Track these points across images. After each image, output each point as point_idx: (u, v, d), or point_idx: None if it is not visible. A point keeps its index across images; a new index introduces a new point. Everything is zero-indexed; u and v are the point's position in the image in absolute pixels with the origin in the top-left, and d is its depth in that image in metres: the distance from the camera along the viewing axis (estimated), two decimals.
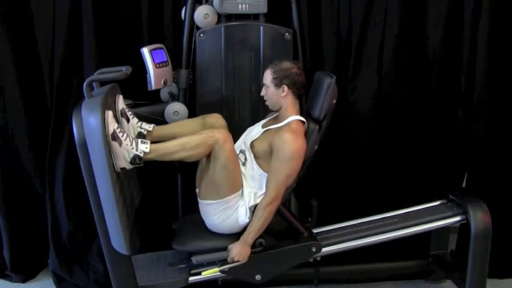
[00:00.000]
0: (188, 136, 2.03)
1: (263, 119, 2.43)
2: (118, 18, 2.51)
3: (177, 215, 2.63)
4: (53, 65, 2.52)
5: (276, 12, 2.44)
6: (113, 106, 2.00)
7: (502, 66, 2.58)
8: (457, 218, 2.40)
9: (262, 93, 2.21)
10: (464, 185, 2.80)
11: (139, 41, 2.51)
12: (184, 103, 2.43)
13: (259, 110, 2.48)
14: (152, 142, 1.98)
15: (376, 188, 2.70)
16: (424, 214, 2.44)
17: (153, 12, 2.54)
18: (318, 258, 2.33)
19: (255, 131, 2.25)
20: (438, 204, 2.51)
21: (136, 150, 1.91)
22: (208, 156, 2.04)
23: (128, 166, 1.92)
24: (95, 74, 1.99)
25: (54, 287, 2.73)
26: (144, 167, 1.98)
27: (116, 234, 1.91)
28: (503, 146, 2.69)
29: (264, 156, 2.12)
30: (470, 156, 2.70)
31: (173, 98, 2.46)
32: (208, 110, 2.42)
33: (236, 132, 2.34)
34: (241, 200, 2.13)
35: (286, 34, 2.42)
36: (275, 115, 2.27)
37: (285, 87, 2.13)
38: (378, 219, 2.45)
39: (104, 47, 2.48)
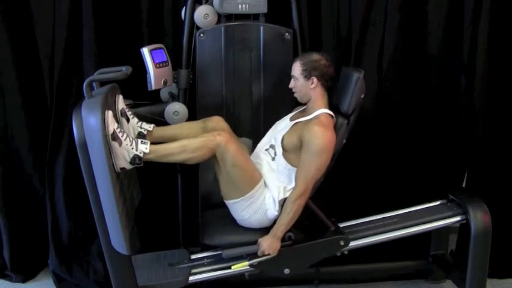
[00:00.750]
0: (189, 139, 2.03)
1: (263, 119, 2.44)
2: (118, 18, 2.51)
3: (177, 215, 2.63)
4: (53, 65, 2.52)
5: (276, 12, 2.43)
6: (112, 106, 1.99)
7: (502, 66, 2.58)
8: (457, 218, 2.40)
9: (291, 85, 2.21)
10: (464, 185, 2.80)
11: (140, 41, 2.50)
12: (184, 103, 2.43)
13: (259, 110, 2.48)
14: (152, 143, 1.98)
15: (376, 188, 2.70)
16: (424, 214, 2.44)
17: (153, 12, 2.54)
18: (346, 252, 2.33)
19: (282, 125, 2.25)
20: (438, 204, 2.51)
21: (136, 150, 1.91)
22: (217, 160, 2.05)
23: (128, 166, 1.92)
24: (95, 74, 1.99)
25: (54, 287, 2.73)
26: (144, 167, 1.98)
27: (116, 234, 1.91)
28: (503, 146, 2.69)
29: (294, 150, 2.12)
30: (470, 156, 2.70)
31: (173, 98, 2.46)
32: (208, 110, 2.42)
33: (236, 132, 2.34)
34: (266, 190, 2.14)
35: (286, 34, 2.42)
36: (303, 108, 2.27)
37: (315, 79, 2.14)
38: (377, 219, 2.45)
39: (104, 47, 2.48)
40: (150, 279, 2.20)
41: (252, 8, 2.37)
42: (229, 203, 2.18)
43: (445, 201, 2.52)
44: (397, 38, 2.55)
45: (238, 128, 2.44)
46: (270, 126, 2.39)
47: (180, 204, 2.62)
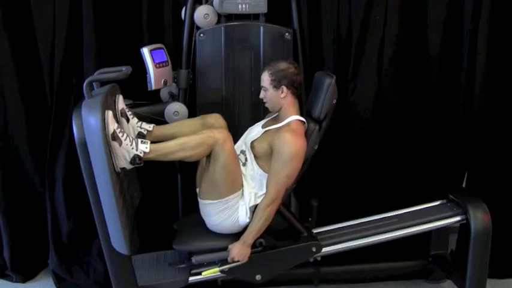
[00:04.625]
0: (188, 136, 2.02)
1: (263, 119, 2.43)
2: (118, 18, 2.51)
3: (177, 215, 2.63)
4: (53, 65, 2.52)
5: (276, 12, 2.44)
6: (112, 106, 2.00)
7: (502, 66, 2.58)
8: (457, 218, 2.40)
9: (261, 95, 2.21)
10: (464, 185, 2.80)
11: (139, 41, 2.51)
12: (184, 103, 2.43)
13: (259, 110, 2.48)
14: (152, 142, 1.98)
15: (376, 188, 2.70)
16: (424, 214, 2.44)
17: (153, 12, 2.54)
18: (318, 258, 2.33)
19: (255, 131, 2.25)
20: (438, 204, 2.51)
21: (136, 150, 1.91)
22: (208, 156, 2.04)
23: (128, 166, 1.92)
24: (95, 74, 1.99)
25: (54, 287, 2.73)
26: (144, 167, 1.98)
27: (116, 234, 1.91)
28: (503, 146, 2.69)
29: (264, 157, 2.12)
30: (470, 156, 2.70)
31: (173, 98, 2.46)
32: (208, 110, 2.42)
33: (236, 133, 2.34)
34: (241, 200, 2.13)
35: (286, 34, 2.42)
36: (275, 115, 2.27)
37: (284, 88, 2.14)
38: (378, 219, 2.45)
39: (104, 47, 2.48)
40: (150, 279, 2.21)
41: (252, 8, 2.37)
42: (204, 203, 2.15)
43: (445, 201, 2.52)
44: (397, 38, 2.55)
45: (237, 128, 2.44)
46: None
47: (180, 204, 2.62)
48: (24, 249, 2.77)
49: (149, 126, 2.15)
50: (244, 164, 2.18)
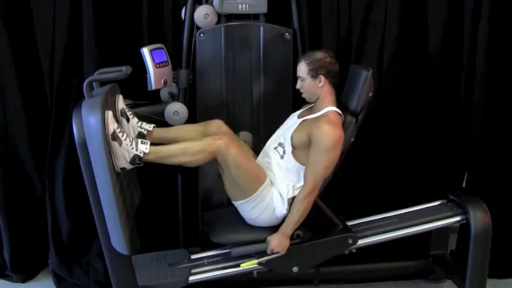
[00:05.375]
0: (190, 141, 2.04)
1: (263, 118, 2.44)
2: (118, 18, 2.51)
3: (177, 215, 2.63)
4: (53, 65, 2.52)
5: (276, 12, 2.44)
6: (113, 106, 2.00)
7: (502, 66, 2.58)
8: (457, 218, 2.40)
9: (298, 86, 2.21)
10: (464, 185, 2.80)
11: (139, 41, 2.50)
12: (184, 103, 2.43)
13: (259, 110, 2.48)
14: (152, 144, 1.99)
15: (376, 188, 2.70)
16: (424, 214, 2.44)
17: (153, 12, 2.54)
18: (354, 251, 2.33)
19: (290, 122, 2.25)
20: (438, 204, 2.51)
21: (136, 150, 1.91)
22: (219, 164, 2.06)
23: (128, 166, 1.92)
24: (95, 74, 1.99)
25: (54, 287, 2.73)
26: (144, 167, 1.98)
27: (116, 234, 1.91)
28: (503, 146, 2.69)
29: (302, 147, 2.13)
30: (470, 156, 2.70)
31: (173, 98, 2.46)
32: (208, 110, 2.43)
33: (236, 133, 2.34)
34: (272, 189, 2.15)
35: (286, 34, 2.42)
36: (310, 105, 2.27)
37: (322, 77, 2.15)
38: (377, 219, 2.45)
39: (104, 47, 2.48)
40: (150, 279, 2.20)
41: (252, 8, 2.37)
42: (237, 204, 2.18)
43: (445, 201, 2.52)
44: (397, 37, 2.55)
45: (238, 128, 2.44)
46: (270, 126, 2.40)
47: (180, 204, 2.61)
48: (24, 249, 2.76)
49: (149, 126, 2.15)
50: (281, 157, 2.18)
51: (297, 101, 2.43)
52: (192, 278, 2.22)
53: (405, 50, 2.58)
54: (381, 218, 2.46)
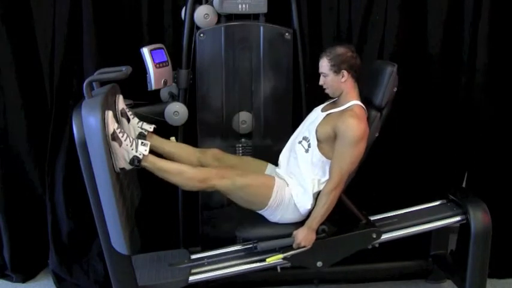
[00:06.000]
0: (189, 167, 2.07)
1: (263, 118, 2.44)
2: (118, 18, 2.51)
3: (177, 215, 2.63)
4: (53, 65, 2.52)
5: (276, 12, 2.44)
6: (113, 106, 2.00)
7: (502, 66, 2.58)
8: (457, 218, 2.40)
9: (321, 82, 2.19)
10: (464, 185, 2.80)
11: (139, 41, 2.50)
12: (184, 103, 2.43)
13: (260, 110, 2.48)
14: (151, 152, 2.00)
15: (376, 188, 2.70)
16: (424, 214, 2.44)
17: (153, 12, 2.54)
18: (376, 245, 2.34)
19: (313, 116, 2.24)
20: (438, 204, 2.51)
21: (136, 151, 1.92)
22: (222, 192, 2.10)
23: (128, 166, 1.92)
24: (95, 74, 1.99)
25: (54, 287, 2.73)
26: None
27: (116, 234, 1.91)
28: (504, 146, 2.69)
29: (327, 141, 2.12)
30: (470, 156, 2.70)
31: (173, 98, 2.46)
32: (208, 110, 2.43)
33: (236, 133, 2.34)
34: (286, 187, 2.15)
35: (286, 34, 2.42)
36: (333, 100, 2.26)
37: (344, 72, 2.13)
38: (378, 219, 2.45)
39: (104, 47, 2.48)
40: (150, 279, 2.20)
41: (252, 8, 2.37)
42: (260, 213, 2.20)
43: (445, 201, 2.52)
44: (397, 37, 2.55)
45: (237, 128, 2.44)
46: (270, 126, 2.39)
47: (180, 204, 2.62)
48: (24, 249, 2.77)
49: (150, 127, 2.15)
50: (307, 151, 2.16)
51: (301, 100, 2.44)
52: (192, 278, 2.22)
53: (405, 50, 2.58)
54: (381, 218, 2.46)
